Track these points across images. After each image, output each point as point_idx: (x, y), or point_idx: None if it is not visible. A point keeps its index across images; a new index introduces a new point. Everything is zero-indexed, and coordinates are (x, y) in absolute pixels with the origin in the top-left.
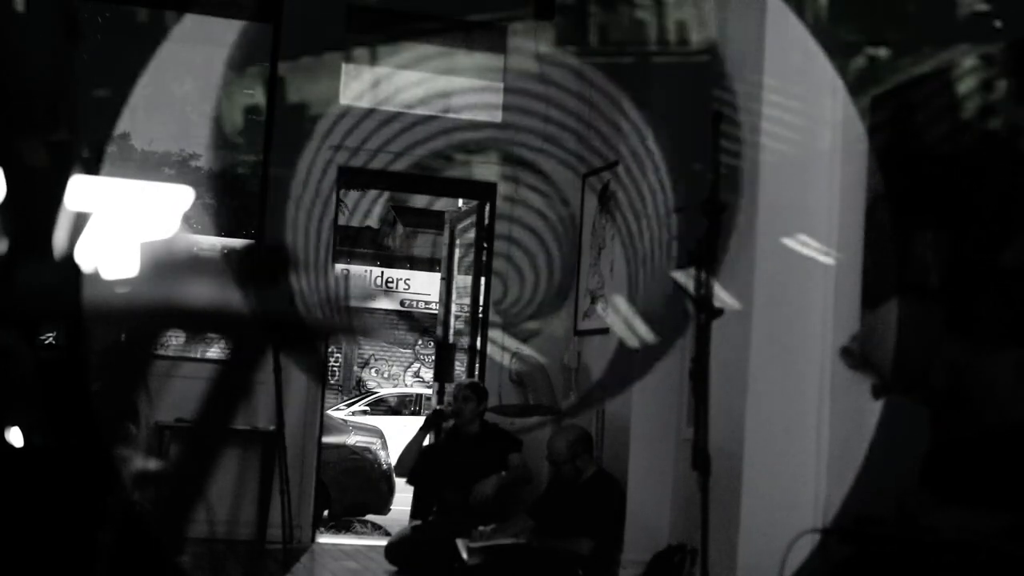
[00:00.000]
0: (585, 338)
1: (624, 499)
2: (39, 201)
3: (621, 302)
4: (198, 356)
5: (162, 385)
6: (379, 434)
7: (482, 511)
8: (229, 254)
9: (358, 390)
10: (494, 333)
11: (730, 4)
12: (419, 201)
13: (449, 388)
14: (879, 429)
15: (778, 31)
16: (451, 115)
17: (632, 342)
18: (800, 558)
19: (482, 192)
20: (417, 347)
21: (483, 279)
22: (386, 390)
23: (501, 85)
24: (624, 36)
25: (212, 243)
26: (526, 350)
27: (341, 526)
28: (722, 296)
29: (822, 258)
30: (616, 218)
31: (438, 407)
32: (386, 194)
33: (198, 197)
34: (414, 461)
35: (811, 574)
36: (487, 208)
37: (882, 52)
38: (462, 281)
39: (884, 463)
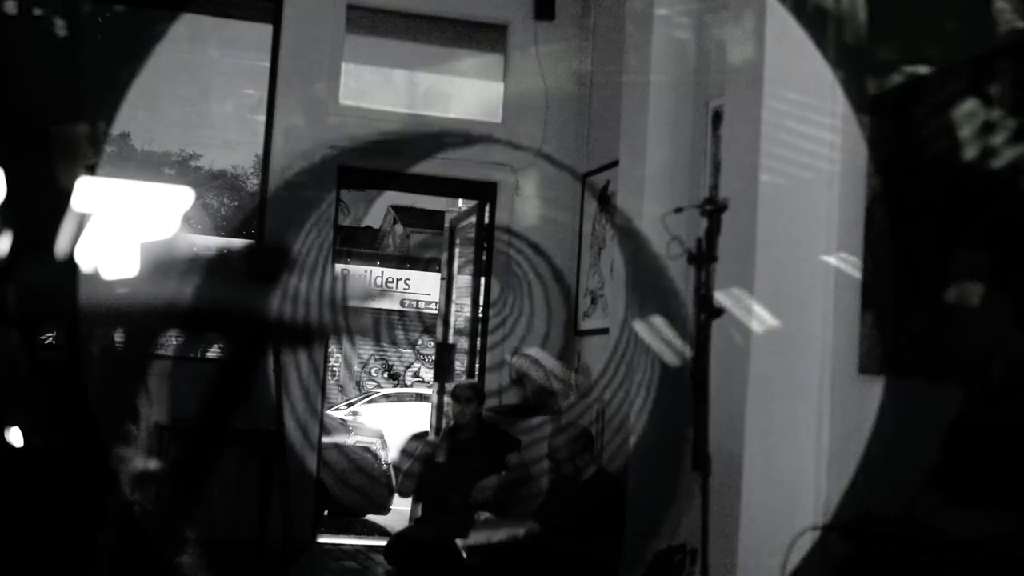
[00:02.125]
0: (585, 338)
1: (624, 499)
2: (40, 202)
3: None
4: (198, 356)
5: (162, 385)
6: (379, 434)
7: (482, 511)
8: (229, 254)
9: (358, 390)
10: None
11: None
12: (419, 201)
13: (449, 388)
14: (877, 426)
15: (777, 36)
16: (451, 115)
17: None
18: (801, 556)
19: (482, 192)
20: (417, 347)
21: (483, 279)
22: (386, 390)
23: (501, 85)
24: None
25: (212, 243)
26: (526, 349)
27: (341, 526)
28: (762, 315)
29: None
30: (616, 218)
31: (421, 433)
32: (386, 194)
33: (198, 197)
34: (414, 484)
35: (813, 571)
36: (487, 208)
37: (921, 70)
38: (462, 281)
39: (884, 460)
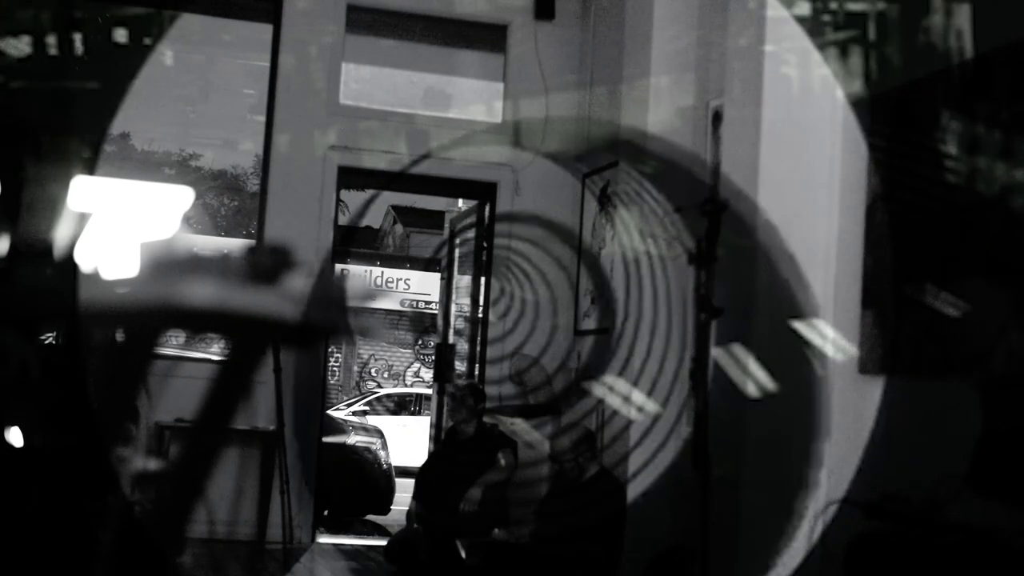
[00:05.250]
0: (585, 338)
1: (625, 498)
2: (39, 201)
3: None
4: (198, 356)
5: (162, 385)
6: (379, 434)
7: (471, 513)
8: (229, 254)
9: (358, 390)
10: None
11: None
12: (419, 201)
13: (449, 388)
14: (878, 420)
15: (778, 36)
16: (451, 115)
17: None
18: (822, 530)
19: (482, 192)
20: (417, 347)
21: (483, 279)
22: (386, 390)
23: (501, 85)
24: None
25: (212, 243)
26: (526, 349)
27: (341, 526)
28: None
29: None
30: (616, 218)
31: None
32: (386, 194)
33: (198, 197)
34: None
35: (834, 548)
36: (487, 208)
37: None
38: (462, 281)
39: (886, 452)
